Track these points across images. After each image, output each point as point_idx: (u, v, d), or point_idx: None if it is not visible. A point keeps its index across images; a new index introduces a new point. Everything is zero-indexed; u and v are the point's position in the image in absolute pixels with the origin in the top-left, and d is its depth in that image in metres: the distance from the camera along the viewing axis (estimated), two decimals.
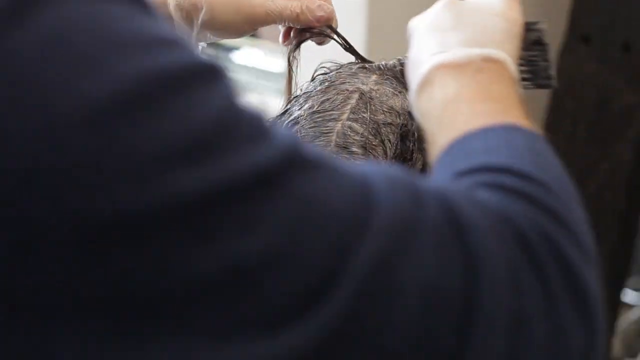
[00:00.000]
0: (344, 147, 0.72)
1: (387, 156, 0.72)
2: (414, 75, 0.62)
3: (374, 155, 0.72)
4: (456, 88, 0.58)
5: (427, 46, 0.63)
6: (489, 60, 0.60)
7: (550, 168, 0.55)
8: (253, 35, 3.20)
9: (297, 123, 0.75)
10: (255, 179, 0.42)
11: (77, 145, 0.40)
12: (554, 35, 2.00)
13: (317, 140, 0.73)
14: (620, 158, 1.91)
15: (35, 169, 0.39)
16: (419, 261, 0.45)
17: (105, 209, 0.40)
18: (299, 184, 0.43)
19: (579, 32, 1.94)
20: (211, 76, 0.45)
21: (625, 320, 2.28)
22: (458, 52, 0.61)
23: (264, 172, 0.43)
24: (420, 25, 0.66)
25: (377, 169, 0.49)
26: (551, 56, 0.69)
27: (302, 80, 0.82)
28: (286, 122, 0.77)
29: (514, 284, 0.46)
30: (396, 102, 0.75)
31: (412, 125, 0.74)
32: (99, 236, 0.40)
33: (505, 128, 0.55)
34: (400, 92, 0.76)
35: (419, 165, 0.74)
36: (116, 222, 0.40)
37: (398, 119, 0.74)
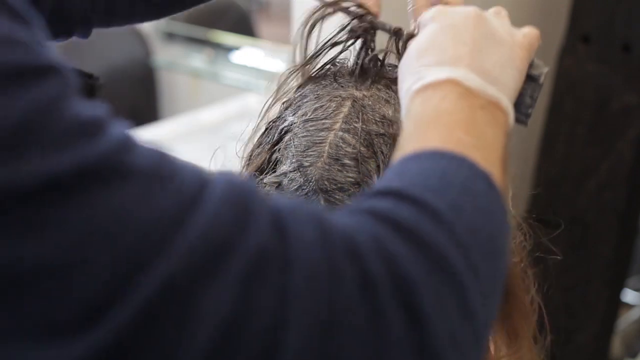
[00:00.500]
0: (336, 159, 0.71)
1: (379, 169, 0.70)
2: (420, 69, 0.61)
3: (367, 169, 0.70)
4: (453, 109, 0.57)
5: (445, 50, 0.62)
6: (496, 104, 0.60)
7: (468, 207, 0.50)
8: (253, 35, 3.21)
9: (290, 130, 0.75)
10: (46, 183, 0.41)
11: None
12: (554, 35, 2.00)
13: (310, 150, 0.72)
14: (620, 158, 1.90)
15: None
16: (221, 290, 0.41)
17: None
18: (101, 193, 0.42)
19: (579, 32, 1.94)
20: (37, 73, 0.43)
21: (625, 320, 2.28)
22: (476, 81, 0.60)
23: (56, 177, 0.41)
24: (443, 21, 0.65)
25: (225, 176, 0.46)
26: (537, 98, 0.69)
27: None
28: (280, 127, 0.76)
29: (329, 304, 0.43)
30: (389, 111, 0.73)
31: None
32: None
33: (457, 159, 0.53)
34: (393, 99, 0.74)
35: None
36: None
37: (391, 129, 0.72)
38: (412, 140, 0.56)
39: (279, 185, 0.72)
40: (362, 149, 0.71)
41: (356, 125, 0.71)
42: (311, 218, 0.46)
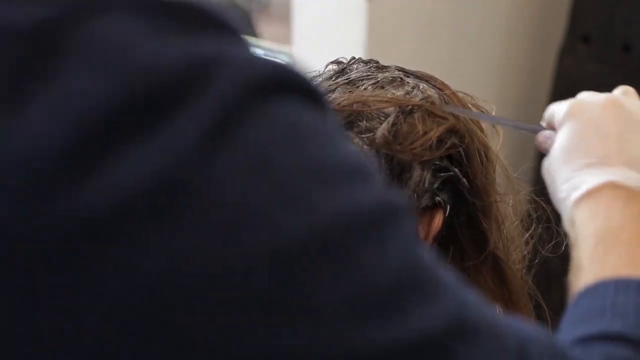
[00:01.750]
0: None
1: (382, 167, 0.70)
2: (572, 175, 0.61)
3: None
4: (624, 220, 0.56)
5: (592, 149, 0.61)
6: None
7: None
8: (253, 35, 3.21)
9: None
10: (423, 346, 0.40)
11: (258, 286, 0.37)
12: (554, 35, 2.00)
13: None
14: None
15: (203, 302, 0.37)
16: None
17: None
18: (461, 354, 0.41)
19: (579, 32, 1.94)
20: (397, 217, 0.42)
21: None
22: (633, 178, 0.59)
23: (432, 338, 0.40)
24: (581, 116, 0.63)
25: (533, 335, 0.46)
26: None
27: None
28: None
29: None
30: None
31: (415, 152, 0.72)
32: None
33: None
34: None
35: (416, 177, 0.71)
36: None
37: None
38: (593, 263, 0.55)
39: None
40: (365, 147, 0.70)
41: (360, 124, 0.71)
42: None
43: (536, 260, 0.83)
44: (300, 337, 0.38)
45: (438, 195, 0.72)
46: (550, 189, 0.63)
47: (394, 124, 0.71)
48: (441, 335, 0.41)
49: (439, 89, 0.76)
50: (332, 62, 0.78)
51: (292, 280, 0.38)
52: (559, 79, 1.98)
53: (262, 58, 0.41)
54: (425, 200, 0.71)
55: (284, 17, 2.07)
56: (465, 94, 0.79)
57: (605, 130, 0.62)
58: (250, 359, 0.38)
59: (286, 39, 2.12)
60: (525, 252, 0.80)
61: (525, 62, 2.11)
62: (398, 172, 0.71)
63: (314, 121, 0.41)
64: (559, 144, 0.64)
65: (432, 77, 0.77)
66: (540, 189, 1.87)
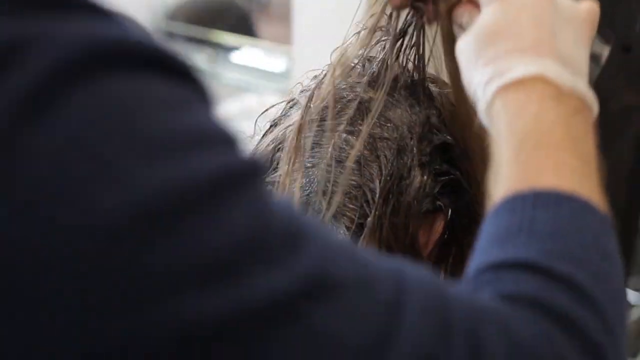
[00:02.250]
0: (339, 161, 0.70)
1: (382, 173, 0.70)
2: (496, 58, 0.55)
3: (369, 172, 0.70)
4: (554, 121, 0.52)
5: (524, 33, 0.56)
6: (585, 103, 0.55)
7: (608, 277, 0.49)
8: (253, 35, 3.21)
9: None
10: (271, 309, 0.40)
11: (85, 267, 0.38)
12: None
13: (313, 151, 0.72)
14: (620, 158, 1.90)
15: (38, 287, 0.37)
16: None
17: (115, 336, 0.38)
18: (315, 316, 0.41)
19: None
20: (244, 183, 0.42)
21: None
22: (566, 77, 0.54)
23: (280, 302, 0.40)
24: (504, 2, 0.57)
25: (415, 280, 0.45)
26: (594, 81, 0.63)
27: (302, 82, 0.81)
28: (285, 125, 0.76)
29: None
30: (394, 114, 0.72)
31: (410, 139, 0.71)
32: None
33: (582, 207, 0.49)
34: (398, 101, 0.73)
35: (416, 183, 0.71)
36: (123, 347, 0.38)
37: (395, 133, 0.71)
38: (516, 166, 0.51)
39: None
40: (365, 152, 0.70)
41: (360, 127, 0.71)
42: (498, 329, 0.44)
43: None
44: (136, 313, 0.38)
45: (439, 200, 0.72)
46: (465, 71, 0.58)
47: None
48: (293, 297, 0.41)
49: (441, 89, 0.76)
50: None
51: (116, 257, 0.38)
52: None
53: (112, 32, 0.41)
54: (426, 205, 0.71)
55: (284, 17, 2.08)
56: None
57: (539, 17, 0.56)
58: (82, 339, 0.38)
59: (286, 39, 2.12)
60: None
61: None
62: (398, 178, 0.71)
63: (152, 91, 0.41)
64: (486, 21, 0.57)
65: (436, 79, 0.77)
66: None
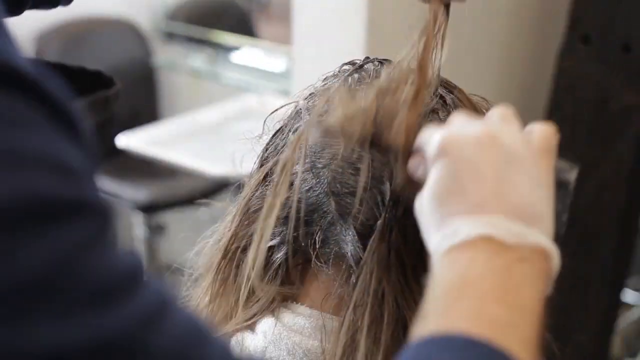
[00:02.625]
0: (350, 163, 0.70)
1: (392, 175, 0.69)
2: (447, 220, 0.56)
3: (380, 175, 0.68)
4: (483, 274, 0.53)
5: (468, 194, 0.56)
6: (538, 251, 0.55)
7: None
8: (253, 35, 3.21)
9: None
10: (51, 356, 0.38)
11: None
12: (554, 35, 2.00)
13: (324, 151, 0.71)
14: (620, 158, 1.90)
15: None
16: None
17: None
18: None
19: (579, 32, 1.94)
20: (68, 215, 0.40)
21: (625, 320, 2.28)
22: (511, 232, 0.54)
23: (63, 352, 0.38)
24: (454, 155, 0.57)
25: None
26: (569, 203, 0.62)
27: (303, 81, 0.81)
28: (296, 125, 0.75)
29: None
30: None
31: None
32: None
33: (491, 352, 0.49)
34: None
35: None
36: None
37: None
38: (437, 313, 0.52)
39: (290, 184, 0.71)
40: (376, 154, 0.69)
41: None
42: None
43: None
44: None
45: None
46: (424, 232, 0.59)
47: None
48: (82, 351, 0.38)
49: (450, 92, 0.75)
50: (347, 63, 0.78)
51: None
52: (559, 79, 1.98)
53: None
54: None
55: (284, 17, 2.08)
56: (482, 97, 0.78)
57: (482, 173, 0.56)
58: None
59: (286, 39, 2.12)
60: None
61: (525, 62, 2.11)
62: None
63: (6, 109, 0.40)
64: (433, 184, 0.58)
65: (447, 82, 0.77)
66: None
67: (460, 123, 0.60)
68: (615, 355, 2.17)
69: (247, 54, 3.09)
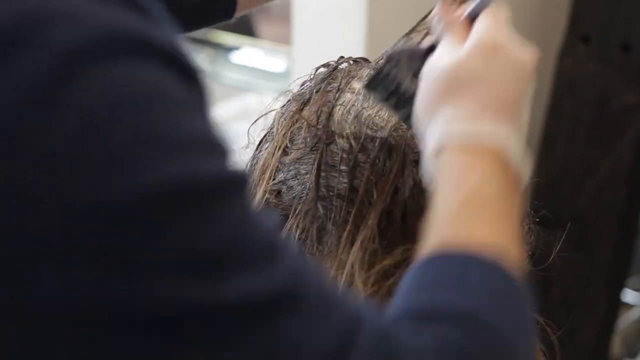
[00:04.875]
0: (332, 166, 0.69)
1: (374, 173, 0.68)
2: (460, 114, 0.58)
3: (362, 174, 0.69)
4: (498, 193, 0.55)
5: (488, 93, 0.58)
6: (519, 180, 0.57)
7: (524, 333, 0.52)
8: (253, 35, 3.21)
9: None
10: (240, 310, 0.43)
11: (80, 238, 0.40)
12: (554, 35, 2.00)
13: (306, 157, 0.71)
14: (620, 158, 1.90)
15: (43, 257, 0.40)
16: None
17: (102, 298, 0.40)
18: (281, 325, 0.44)
19: (579, 32, 1.94)
20: (234, 190, 0.45)
21: (625, 320, 2.28)
22: (517, 157, 0.57)
23: (250, 305, 0.43)
24: (448, 72, 0.60)
25: (376, 323, 0.47)
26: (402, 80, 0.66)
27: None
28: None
29: None
30: (379, 114, 0.71)
31: (400, 138, 0.70)
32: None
33: (511, 278, 0.52)
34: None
35: (410, 181, 0.69)
36: (106, 309, 0.41)
37: (381, 133, 0.70)
38: (457, 222, 0.54)
39: (278, 193, 0.71)
40: (358, 154, 0.69)
41: (347, 131, 0.70)
42: None
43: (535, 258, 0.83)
44: (119, 290, 0.40)
45: None
46: (426, 93, 0.60)
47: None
48: (265, 302, 0.43)
49: None
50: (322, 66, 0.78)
51: (114, 235, 0.40)
52: (559, 79, 1.98)
53: (138, 24, 0.42)
54: (422, 202, 0.71)
55: (284, 17, 2.08)
56: None
57: (515, 80, 0.60)
58: (74, 306, 0.40)
59: (286, 39, 2.12)
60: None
61: None
62: (391, 177, 0.70)
63: (168, 87, 0.43)
64: (449, 66, 0.60)
65: None
66: (541, 184, 1.86)
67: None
68: (615, 355, 2.17)
69: (247, 54, 3.09)
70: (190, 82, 0.45)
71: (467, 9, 0.64)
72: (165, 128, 0.42)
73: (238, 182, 0.45)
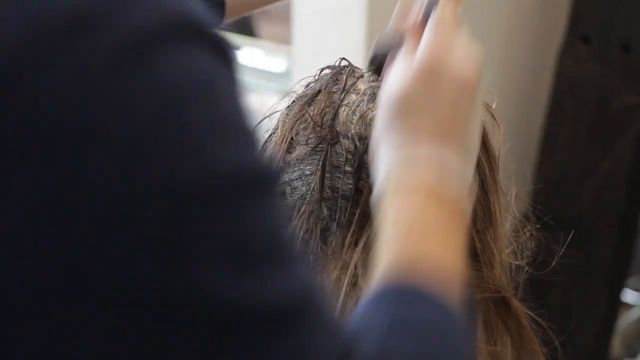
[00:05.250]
0: (336, 167, 0.70)
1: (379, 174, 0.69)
2: (407, 137, 0.60)
3: (367, 174, 0.69)
4: (435, 217, 0.57)
5: (439, 117, 0.61)
6: (462, 209, 0.60)
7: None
8: (253, 35, 3.21)
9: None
10: (279, 308, 0.43)
11: (145, 220, 0.40)
12: (554, 35, 2.00)
13: (310, 157, 0.71)
14: (620, 158, 1.91)
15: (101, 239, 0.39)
16: None
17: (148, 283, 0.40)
18: (298, 334, 0.44)
19: (579, 32, 1.94)
20: (272, 186, 0.45)
21: (625, 320, 2.28)
22: (457, 187, 0.59)
23: (285, 303, 0.43)
24: (393, 102, 0.62)
25: (364, 334, 0.48)
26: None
27: (303, 81, 0.81)
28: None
29: None
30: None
31: None
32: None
33: (449, 313, 0.52)
34: None
35: None
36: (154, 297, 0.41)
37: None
38: (396, 245, 0.56)
39: (282, 194, 0.71)
40: (363, 155, 0.69)
41: (352, 132, 0.70)
42: None
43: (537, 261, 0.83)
44: (175, 277, 0.40)
45: None
46: (378, 126, 0.63)
47: None
48: (293, 303, 0.44)
49: None
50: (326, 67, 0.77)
51: (179, 220, 0.40)
52: (559, 79, 1.98)
53: (198, 11, 0.43)
54: None
55: (284, 17, 2.07)
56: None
57: (457, 101, 0.61)
58: (125, 290, 0.40)
59: (286, 39, 2.12)
60: (517, 255, 0.79)
61: (525, 62, 2.11)
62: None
63: (222, 76, 0.44)
64: (404, 87, 0.62)
65: None
66: (540, 187, 1.85)
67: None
68: (615, 356, 2.17)
69: (247, 54, 3.09)
70: (234, 70, 0.45)
71: (421, 10, 0.66)
72: (228, 119, 0.43)
73: (272, 174, 0.46)
